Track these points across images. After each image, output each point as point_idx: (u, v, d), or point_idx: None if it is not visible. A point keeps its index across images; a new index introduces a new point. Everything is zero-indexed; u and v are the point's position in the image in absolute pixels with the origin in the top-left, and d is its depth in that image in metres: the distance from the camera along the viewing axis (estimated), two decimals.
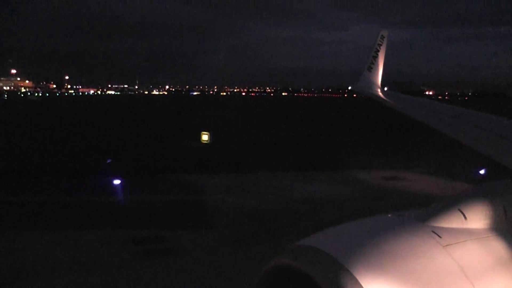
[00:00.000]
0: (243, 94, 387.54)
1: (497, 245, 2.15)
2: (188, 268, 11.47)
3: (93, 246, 13.11)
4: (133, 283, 10.63)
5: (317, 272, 1.79)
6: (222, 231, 14.57)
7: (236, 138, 41.27)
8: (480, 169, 20.36)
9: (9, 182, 20.87)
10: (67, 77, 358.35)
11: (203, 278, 10.67)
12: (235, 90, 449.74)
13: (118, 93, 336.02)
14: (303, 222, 14.98)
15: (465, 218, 2.22)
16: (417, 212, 2.31)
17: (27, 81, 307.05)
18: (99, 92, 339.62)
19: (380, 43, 14.58)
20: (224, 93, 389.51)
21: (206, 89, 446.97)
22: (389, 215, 2.33)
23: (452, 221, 2.19)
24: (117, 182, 20.26)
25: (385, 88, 14.03)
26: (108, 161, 25.07)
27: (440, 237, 2.05)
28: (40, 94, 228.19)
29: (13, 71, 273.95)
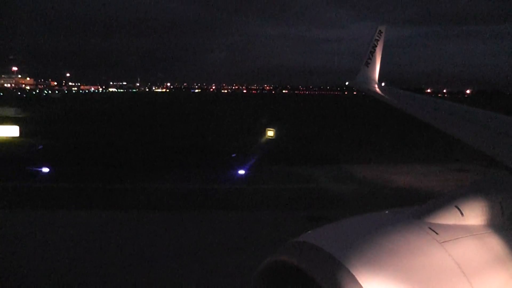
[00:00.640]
0: (244, 91, 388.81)
1: (494, 242, 2.16)
2: None
3: (278, 222, 14.97)
4: None
5: (313, 269, 1.79)
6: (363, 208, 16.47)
7: (292, 133, 42.66)
8: None
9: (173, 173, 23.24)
10: (68, 75, 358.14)
11: None
12: (234, 88, 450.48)
13: (121, 90, 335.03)
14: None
15: (462, 214, 2.24)
16: (414, 208, 2.32)
17: (28, 78, 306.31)
18: (100, 89, 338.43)
19: (377, 38, 14.75)
20: (225, 91, 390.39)
21: (205, 87, 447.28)
22: (386, 212, 2.38)
23: (449, 218, 2.20)
24: (241, 172, 22.52)
25: (382, 84, 14.34)
26: (233, 155, 27.81)
27: (437, 233, 2.05)
28: (58, 92, 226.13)
29: (14, 68, 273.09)
